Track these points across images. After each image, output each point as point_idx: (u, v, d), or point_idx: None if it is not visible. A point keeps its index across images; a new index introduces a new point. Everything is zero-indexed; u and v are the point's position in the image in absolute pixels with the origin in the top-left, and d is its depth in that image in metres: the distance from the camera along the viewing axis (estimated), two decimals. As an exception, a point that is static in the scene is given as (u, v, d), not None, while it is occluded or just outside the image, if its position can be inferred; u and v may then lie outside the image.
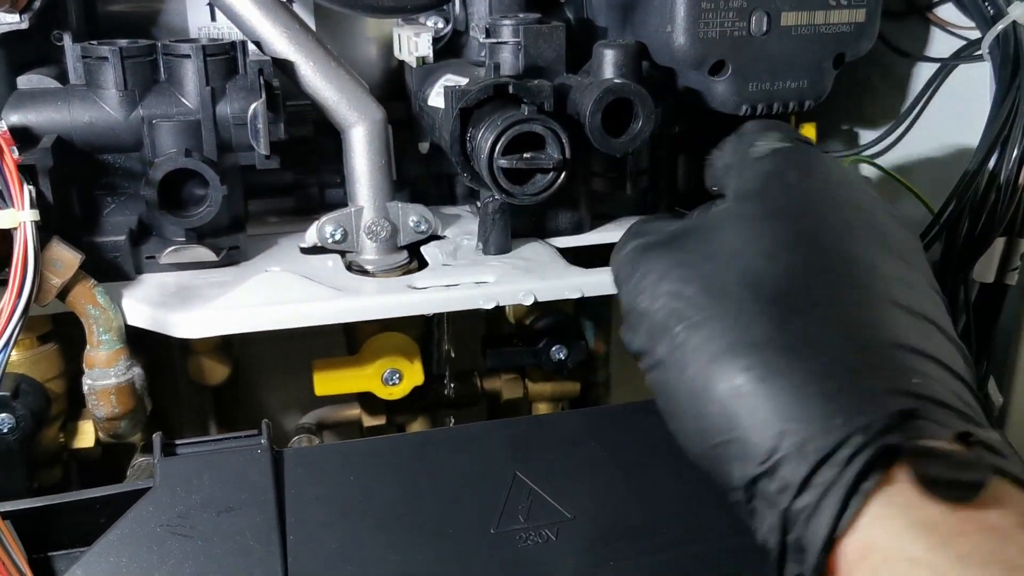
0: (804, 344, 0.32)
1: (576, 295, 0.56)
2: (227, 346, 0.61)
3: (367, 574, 0.42)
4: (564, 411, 0.59)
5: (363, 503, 0.44)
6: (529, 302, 0.55)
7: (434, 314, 0.68)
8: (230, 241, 0.58)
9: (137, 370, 0.53)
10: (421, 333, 0.65)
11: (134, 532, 0.42)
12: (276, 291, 0.54)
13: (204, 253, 0.56)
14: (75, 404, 0.59)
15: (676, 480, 0.47)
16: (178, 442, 0.46)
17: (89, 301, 0.51)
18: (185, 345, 0.61)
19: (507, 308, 0.68)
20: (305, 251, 0.61)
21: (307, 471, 0.45)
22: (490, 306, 0.55)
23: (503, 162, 0.52)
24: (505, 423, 0.49)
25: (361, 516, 0.44)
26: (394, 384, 0.60)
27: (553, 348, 0.62)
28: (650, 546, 0.44)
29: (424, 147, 0.66)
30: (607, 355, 0.82)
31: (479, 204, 0.60)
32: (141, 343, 0.55)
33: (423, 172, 0.67)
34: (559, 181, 0.54)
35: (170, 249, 0.55)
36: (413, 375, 0.60)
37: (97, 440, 0.59)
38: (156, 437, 0.45)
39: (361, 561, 0.42)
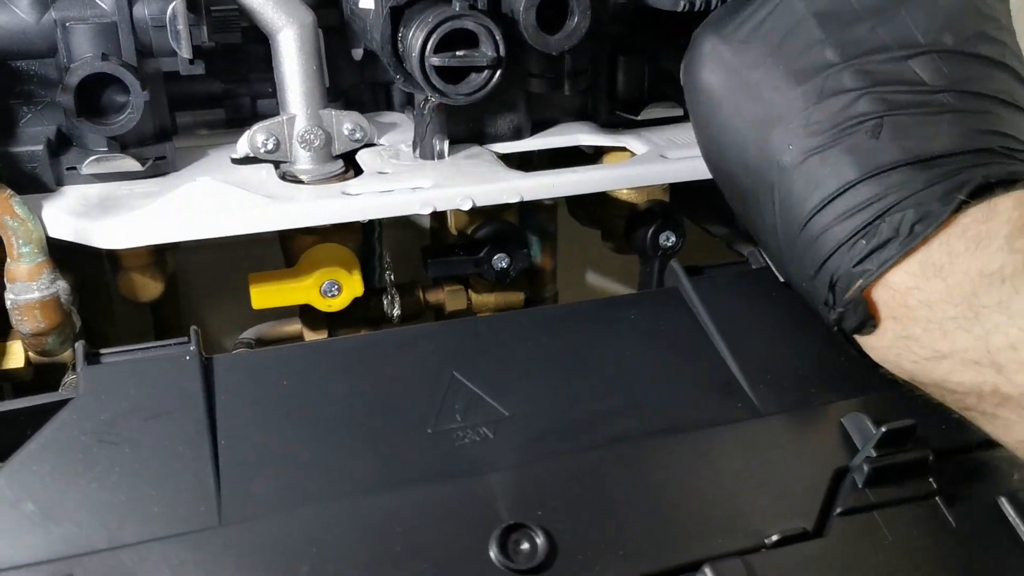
0: None
1: (516, 199, 0.55)
2: (160, 263, 0.59)
3: (301, 476, 0.41)
4: (502, 313, 0.59)
5: (296, 407, 0.43)
6: (467, 207, 0.54)
7: (373, 225, 0.67)
8: (156, 151, 0.56)
9: (62, 284, 0.51)
10: (360, 247, 0.64)
11: (58, 440, 0.40)
12: (205, 200, 0.52)
13: (128, 163, 0.54)
14: (2, 325, 0.57)
15: (614, 379, 0.46)
16: (103, 351, 0.44)
17: (6, 212, 0.49)
18: (115, 262, 0.59)
19: (448, 219, 0.66)
20: (237, 162, 0.59)
21: (238, 377, 0.44)
22: (427, 211, 0.53)
23: (435, 60, 0.51)
24: (442, 325, 0.48)
25: (294, 420, 0.43)
26: (333, 296, 0.59)
27: (495, 257, 0.61)
28: (587, 442, 0.43)
29: (357, 54, 0.64)
30: (554, 271, 0.81)
31: (415, 109, 0.58)
32: (69, 262, 0.54)
33: (357, 80, 0.65)
34: (494, 80, 0.52)
35: (92, 158, 0.53)
36: (352, 286, 0.59)
37: (28, 361, 0.58)
38: (79, 346, 0.44)
39: (295, 464, 0.41)
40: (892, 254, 0.38)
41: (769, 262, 0.51)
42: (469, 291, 0.66)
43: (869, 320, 0.39)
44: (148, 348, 0.45)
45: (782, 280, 0.51)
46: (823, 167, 0.40)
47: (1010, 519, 0.42)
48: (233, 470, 0.41)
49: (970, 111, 0.40)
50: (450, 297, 0.65)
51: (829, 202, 0.40)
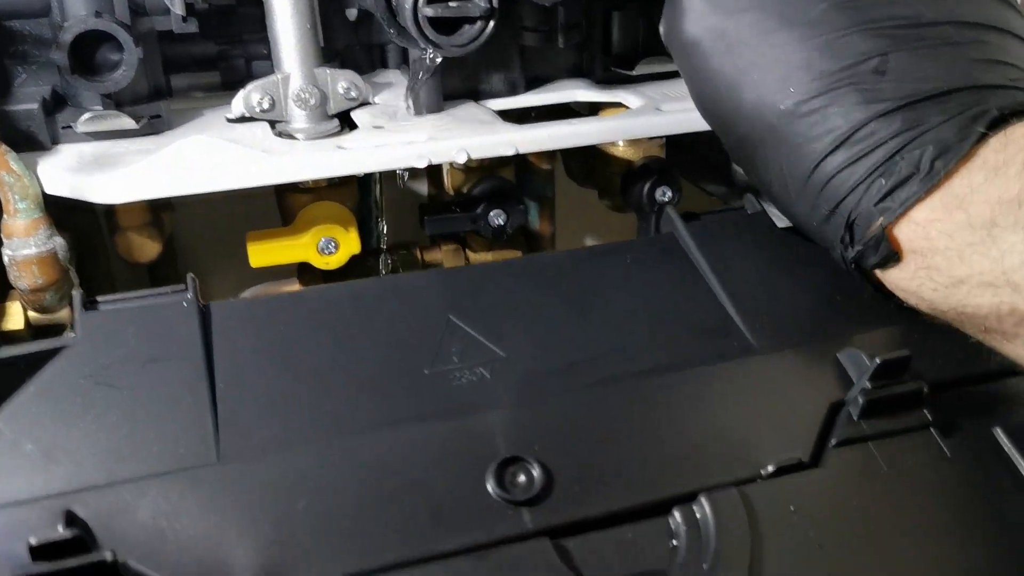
0: None
1: (511, 151, 0.55)
2: (157, 222, 0.60)
3: (299, 417, 0.41)
4: (499, 260, 0.59)
5: (294, 351, 0.44)
6: (462, 159, 0.54)
7: (369, 185, 0.67)
8: (150, 109, 0.56)
9: (59, 240, 0.51)
10: (357, 207, 0.64)
11: (55, 384, 0.41)
12: (200, 155, 0.52)
13: (123, 120, 0.54)
14: (1, 288, 0.58)
15: (610, 321, 0.46)
16: (100, 298, 0.45)
17: (2, 167, 0.49)
18: (112, 222, 0.59)
19: (445, 180, 0.67)
20: (232, 122, 0.59)
21: (236, 323, 0.44)
22: (423, 164, 0.53)
23: (428, 11, 0.51)
24: (439, 272, 0.48)
25: (292, 363, 0.43)
26: (330, 253, 0.59)
27: (492, 213, 0.61)
28: (584, 381, 0.43)
29: (352, 14, 0.64)
30: (553, 236, 0.81)
31: (410, 65, 0.58)
32: (66, 223, 0.54)
33: (352, 41, 0.65)
34: (487, 30, 0.52)
35: (86, 116, 0.53)
36: (349, 243, 0.59)
37: (27, 323, 0.58)
38: (75, 293, 0.44)
39: (294, 406, 0.41)
40: (915, 191, 0.38)
41: (765, 206, 0.52)
42: (466, 250, 0.66)
43: (892, 256, 0.39)
44: (145, 296, 0.45)
45: (780, 225, 0.51)
46: (830, 109, 0.40)
47: (1005, 449, 0.42)
48: (231, 411, 0.41)
49: (972, 42, 0.40)
50: (447, 256, 0.65)
51: (841, 143, 0.40)
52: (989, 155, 0.37)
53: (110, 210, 0.59)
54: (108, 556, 0.34)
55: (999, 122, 0.38)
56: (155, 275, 0.70)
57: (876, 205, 0.39)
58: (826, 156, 0.40)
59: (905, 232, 0.39)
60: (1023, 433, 0.42)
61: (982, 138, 0.38)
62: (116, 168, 0.51)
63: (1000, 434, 0.42)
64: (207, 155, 0.52)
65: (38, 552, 0.33)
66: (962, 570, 0.38)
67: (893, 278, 0.41)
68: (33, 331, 0.59)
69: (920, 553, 0.39)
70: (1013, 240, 0.35)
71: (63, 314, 0.56)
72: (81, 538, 0.34)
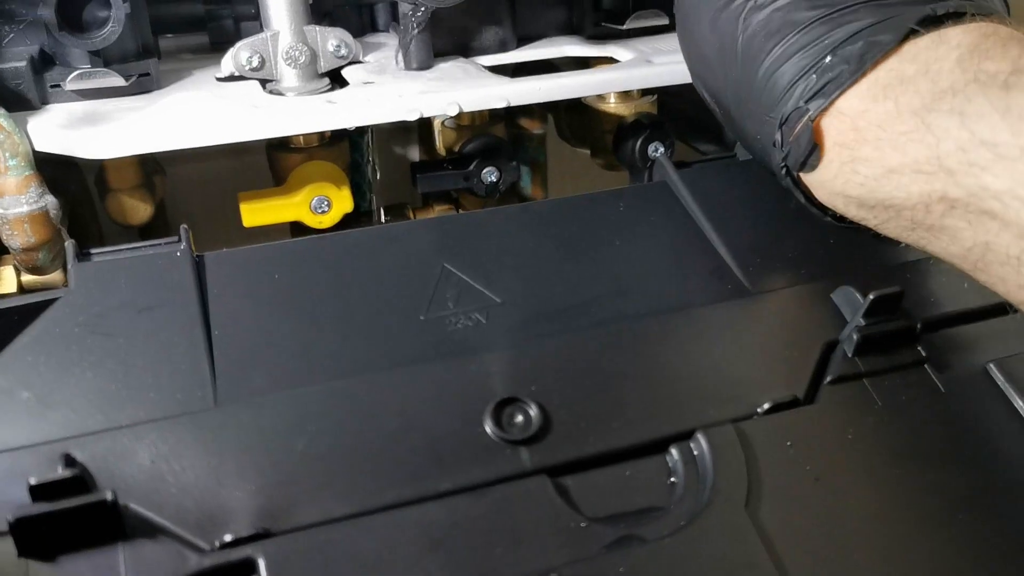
0: None
1: (503, 104, 0.55)
2: (148, 184, 0.59)
3: (296, 361, 0.41)
4: (494, 208, 0.59)
5: (289, 298, 0.43)
6: (454, 112, 0.54)
7: (361, 146, 0.67)
8: (139, 68, 0.56)
9: (51, 199, 0.51)
10: (349, 168, 0.64)
11: (49, 333, 0.41)
12: (192, 110, 0.52)
13: (112, 78, 0.54)
14: (-6, 252, 0.57)
15: (604, 267, 0.46)
16: (93, 250, 0.44)
17: (-9, 124, 0.48)
18: (104, 185, 0.58)
19: (436, 138, 0.66)
20: (222, 81, 0.58)
21: (230, 271, 0.44)
22: (413, 117, 0.53)
23: (417, -38, 0.51)
24: (433, 220, 0.48)
25: (287, 310, 0.43)
26: (323, 212, 0.59)
27: (484, 170, 0.61)
28: (580, 324, 0.43)
29: (341, -28, 0.64)
30: (545, 200, 0.81)
31: (400, 21, 0.58)
32: (57, 187, 0.53)
33: (341, 0, 0.64)
34: (476, -19, 0.52)
35: (75, 74, 0.53)
36: (342, 202, 0.59)
37: (20, 287, 0.58)
38: (68, 244, 0.44)
39: (289, 350, 0.41)
40: (842, 81, 0.39)
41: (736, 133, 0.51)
42: (459, 211, 0.66)
43: (815, 150, 0.40)
44: (138, 247, 0.45)
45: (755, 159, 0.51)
46: (778, 13, 0.41)
47: (999, 383, 0.42)
48: (227, 357, 0.41)
49: None
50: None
51: (782, 43, 0.41)
52: (920, 51, 0.38)
53: (100, 172, 0.59)
54: (109, 496, 0.34)
55: (933, 22, 0.38)
56: (146, 239, 0.70)
57: (807, 102, 0.40)
58: (766, 57, 0.41)
59: (832, 125, 0.40)
60: (1016, 368, 0.43)
61: (911, 34, 0.38)
62: (106, 124, 0.51)
63: (994, 369, 0.43)
64: (198, 110, 0.52)
65: (38, 492, 0.33)
66: (956, 501, 0.39)
67: (818, 179, 0.42)
68: (26, 294, 0.58)
69: (915, 485, 0.39)
70: (948, 125, 0.35)
71: (56, 276, 0.56)
72: (81, 478, 0.34)
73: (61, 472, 0.34)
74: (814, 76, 0.39)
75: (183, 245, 0.45)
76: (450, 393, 0.40)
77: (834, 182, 0.41)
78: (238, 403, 0.39)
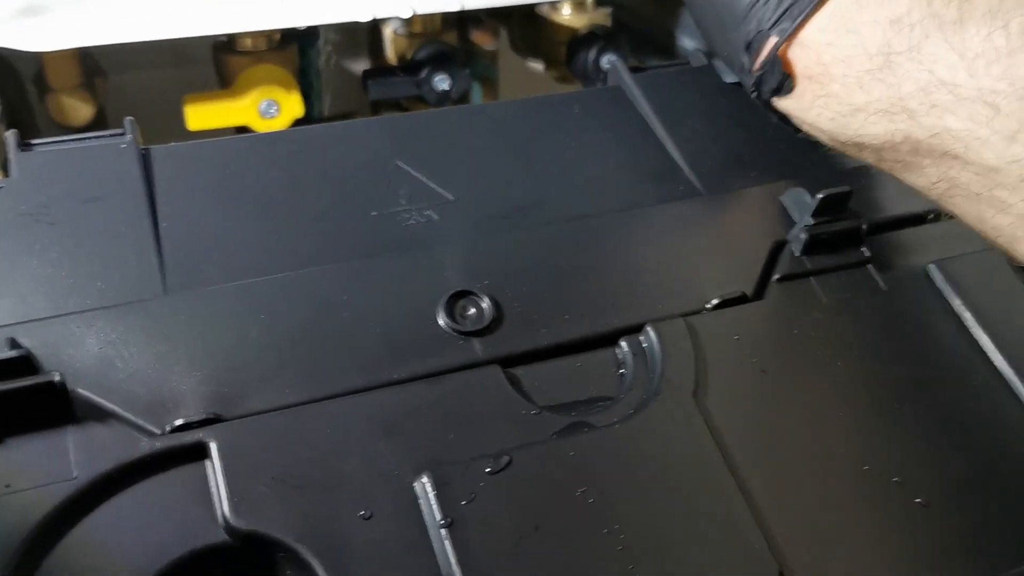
0: None
1: (456, 8, 0.54)
2: (89, 85, 0.58)
3: (246, 253, 0.41)
4: (448, 107, 0.58)
5: (238, 193, 0.43)
6: (407, 14, 0.53)
7: (310, 55, 0.65)
8: (81, -41, 0.54)
9: (-13, 93, 0.50)
10: (298, 74, 0.63)
11: (-8, 221, 0.40)
12: (135, 3, 0.50)
13: (51, -31, 0.52)
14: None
15: (558, 167, 0.46)
16: (35, 141, 0.43)
17: (-78, 11, 0.46)
18: (43, 85, 0.57)
19: (387, 46, 0.65)
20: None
21: (177, 165, 0.43)
22: (366, 18, 0.52)
23: None
24: (385, 118, 0.48)
25: (236, 204, 0.42)
26: (272, 116, 0.58)
27: (436, 78, 0.60)
28: (533, 221, 0.44)
29: None
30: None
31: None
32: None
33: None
34: None
35: (11, -38, 0.51)
36: (292, 106, 0.58)
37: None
38: (9, 134, 0.43)
39: (239, 242, 0.41)
40: (803, 8, 0.38)
41: (713, 62, 0.52)
42: (411, 119, 0.65)
43: (787, 80, 0.40)
44: (82, 139, 0.44)
45: (726, 80, 0.51)
46: None
47: (937, 283, 0.44)
48: (176, 248, 0.40)
49: None
50: (392, 124, 0.64)
51: None
52: None
53: (39, 72, 0.57)
54: (56, 377, 0.33)
55: None
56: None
57: (771, 28, 0.40)
58: None
59: (799, 55, 0.40)
60: (955, 268, 0.44)
61: None
62: (45, 14, 0.49)
63: (933, 271, 0.44)
64: (143, 3, 0.50)
65: (-17, 373, 0.33)
66: (895, 392, 0.40)
67: (792, 107, 0.42)
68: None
69: (856, 378, 0.40)
70: (908, 66, 0.36)
71: (-6, 175, 0.54)
72: (27, 358, 0.33)
73: (6, 353, 0.33)
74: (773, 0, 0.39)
75: (128, 136, 0.44)
76: (403, 286, 0.40)
77: (807, 113, 0.41)
78: (189, 292, 0.38)
